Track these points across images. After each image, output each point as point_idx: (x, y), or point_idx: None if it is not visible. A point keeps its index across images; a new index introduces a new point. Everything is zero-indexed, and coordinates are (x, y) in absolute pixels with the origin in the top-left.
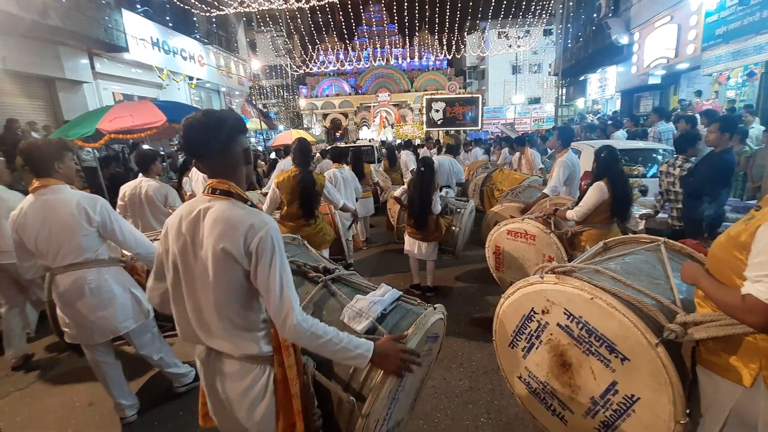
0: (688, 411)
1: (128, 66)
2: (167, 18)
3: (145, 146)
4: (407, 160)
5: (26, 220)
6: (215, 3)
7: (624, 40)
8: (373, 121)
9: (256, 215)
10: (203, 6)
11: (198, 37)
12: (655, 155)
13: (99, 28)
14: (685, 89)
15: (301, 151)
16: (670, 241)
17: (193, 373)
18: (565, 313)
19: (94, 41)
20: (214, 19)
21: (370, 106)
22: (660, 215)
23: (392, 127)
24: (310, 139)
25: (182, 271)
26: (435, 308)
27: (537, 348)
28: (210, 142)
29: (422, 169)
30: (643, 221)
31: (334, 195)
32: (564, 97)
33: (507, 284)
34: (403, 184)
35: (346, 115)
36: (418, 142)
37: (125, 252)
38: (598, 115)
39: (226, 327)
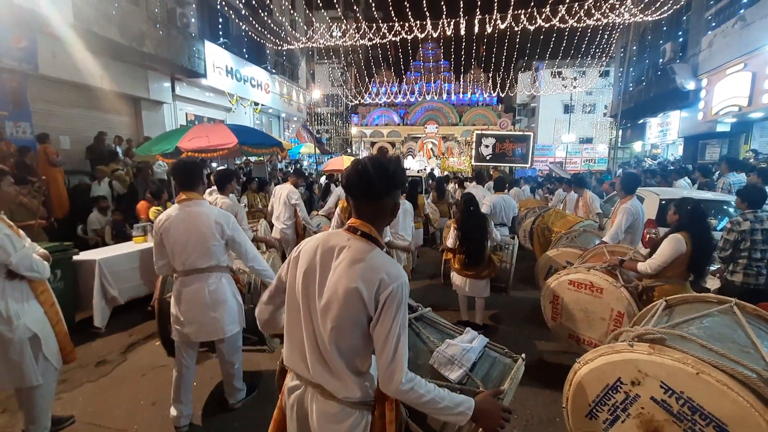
0: None
1: (203, 90)
2: (243, 50)
3: (214, 164)
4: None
5: (170, 225)
6: (287, 38)
7: (690, 85)
8: (420, 151)
9: (393, 265)
10: (276, 40)
11: (267, 67)
12: (725, 207)
13: (184, 56)
14: (757, 139)
15: None
16: (741, 302)
17: (246, 390)
18: (662, 387)
19: (178, 67)
20: (284, 52)
21: (417, 137)
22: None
23: (437, 159)
24: None
25: (302, 297)
26: (522, 359)
27: (623, 422)
28: (375, 189)
29: (471, 208)
30: (717, 277)
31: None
32: (620, 140)
33: (564, 336)
34: (451, 217)
35: (393, 144)
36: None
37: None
38: (657, 160)
39: (339, 364)
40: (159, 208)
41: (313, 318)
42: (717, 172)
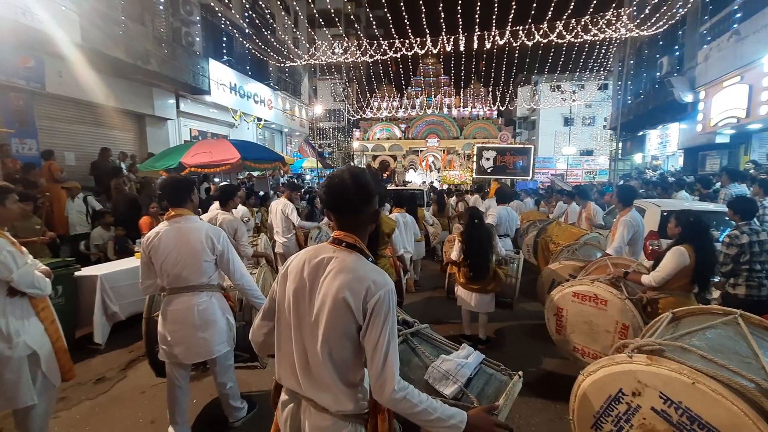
0: None
1: (207, 106)
2: (247, 67)
3: (217, 179)
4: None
5: (160, 242)
6: (289, 56)
7: (688, 98)
8: (421, 164)
9: (379, 273)
10: (279, 58)
11: (270, 83)
12: (727, 218)
13: (188, 73)
14: (757, 150)
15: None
16: (746, 313)
17: (247, 407)
18: (661, 397)
19: (183, 84)
20: (286, 69)
21: (419, 151)
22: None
23: (438, 172)
24: None
25: (293, 314)
26: (519, 376)
27: None
28: (351, 201)
29: (476, 221)
30: (719, 291)
31: (397, 243)
32: (620, 152)
33: (569, 349)
34: (450, 230)
35: (394, 158)
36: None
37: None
38: (658, 171)
39: (330, 377)
40: None
41: (303, 334)
42: (718, 183)
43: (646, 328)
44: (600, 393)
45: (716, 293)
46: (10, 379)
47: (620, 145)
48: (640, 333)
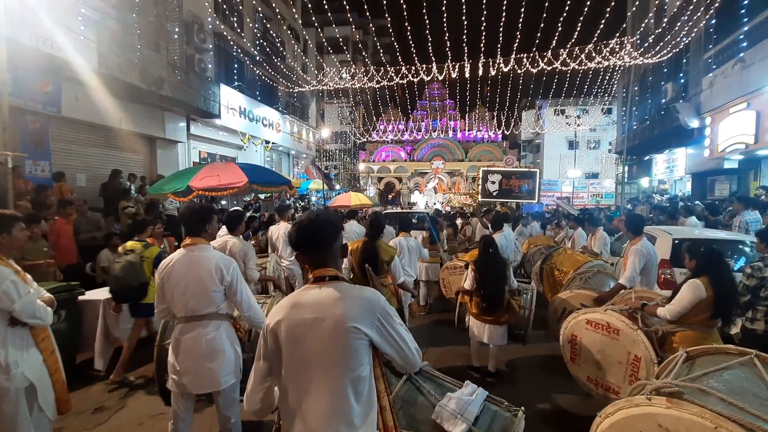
0: None
1: (216, 129)
2: (257, 92)
3: (224, 202)
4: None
5: (173, 270)
6: (298, 81)
7: (694, 123)
8: (425, 187)
9: (367, 291)
10: (288, 83)
11: (279, 107)
12: (742, 247)
13: (200, 98)
14: (767, 175)
15: (371, 225)
16: (762, 354)
17: None
18: None
19: (194, 109)
20: (295, 94)
21: (424, 173)
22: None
23: (443, 194)
24: (366, 202)
25: (299, 360)
26: (522, 412)
27: None
28: (325, 237)
29: (490, 250)
30: (739, 324)
31: (398, 270)
32: (626, 176)
33: (583, 378)
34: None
35: (400, 180)
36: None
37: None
38: (666, 196)
39: (347, 400)
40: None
41: (313, 373)
42: (728, 210)
43: (660, 367)
44: None
45: (735, 328)
46: (8, 411)
47: (626, 169)
48: (653, 366)
